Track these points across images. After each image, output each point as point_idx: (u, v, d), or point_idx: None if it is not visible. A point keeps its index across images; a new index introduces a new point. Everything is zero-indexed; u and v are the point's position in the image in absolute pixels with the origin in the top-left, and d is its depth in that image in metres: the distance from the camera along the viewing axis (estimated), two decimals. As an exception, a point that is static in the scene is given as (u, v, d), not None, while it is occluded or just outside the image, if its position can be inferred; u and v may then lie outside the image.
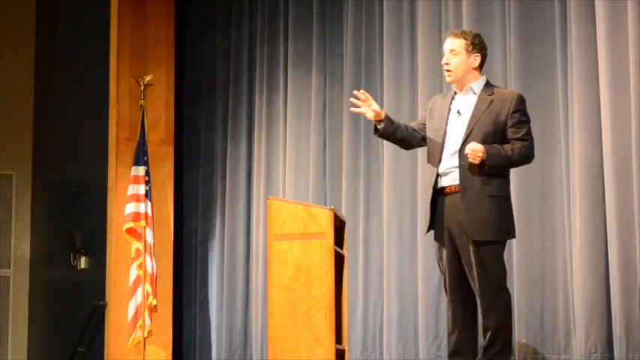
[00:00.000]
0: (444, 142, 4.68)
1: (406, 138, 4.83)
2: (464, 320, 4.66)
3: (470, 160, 4.50)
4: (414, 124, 4.91)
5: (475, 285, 4.53)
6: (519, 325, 5.46)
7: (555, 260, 5.43)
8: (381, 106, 6.45)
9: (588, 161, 5.22)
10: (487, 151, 4.48)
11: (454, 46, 4.69)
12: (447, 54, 4.72)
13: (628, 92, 5.01)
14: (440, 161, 4.67)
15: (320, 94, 6.93)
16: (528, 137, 4.61)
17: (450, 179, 4.63)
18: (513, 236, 4.73)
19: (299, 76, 7.11)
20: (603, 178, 5.13)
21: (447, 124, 4.71)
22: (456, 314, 4.67)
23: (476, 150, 4.48)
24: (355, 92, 4.77)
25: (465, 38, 4.69)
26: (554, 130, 5.50)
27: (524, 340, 5.44)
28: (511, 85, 5.64)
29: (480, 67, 4.73)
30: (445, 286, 4.75)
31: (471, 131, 4.59)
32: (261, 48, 7.48)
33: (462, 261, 4.60)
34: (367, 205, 6.51)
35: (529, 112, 5.49)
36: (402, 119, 6.28)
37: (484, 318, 4.55)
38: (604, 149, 5.12)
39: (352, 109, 4.83)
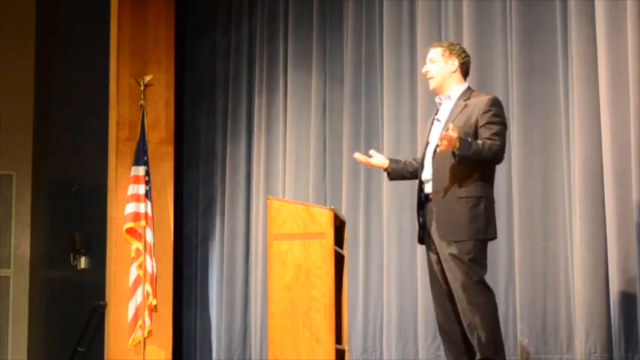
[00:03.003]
0: (425, 151, 4.75)
1: (415, 172, 4.88)
2: (448, 326, 4.66)
3: (442, 144, 4.41)
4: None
5: (458, 286, 4.51)
6: (522, 325, 5.47)
7: (557, 260, 5.43)
8: (381, 106, 6.48)
9: (588, 161, 5.22)
10: (460, 141, 4.40)
11: (431, 55, 4.79)
12: (427, 63, 4.81)
13: (628, 93, 5.01)
14: (423, 169, 4.72)
15: (320, 95, 6.93)
16: (497, 138, 4.51)
17: (431, 186, 4.66)
18: (489, 236, 4.60)
19: (299, 77, 7.11)
20: (603, 177, 5.13)
21: (429, 133, 4.78)
22: (441, 322, 4.70)
23: (450, 135, 4.39)
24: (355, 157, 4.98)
25: (442, 46, 4.80)
26: (555, 130, 5.51)
27: (526, 340, 5.44)
28: (512, 86, 5.64)
29: (463, 73, 4.75)
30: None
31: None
32: (260, 48, 7.48)
33: (442, 264, 4.60)
34: (367, 205, 6.51)
35: (529, 112, 5.54)
36: (402, 119, 6.32)
37: (471, 317, 4.51)
38: (604, 150, 5.12)
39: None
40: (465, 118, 4.59)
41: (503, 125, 4.60)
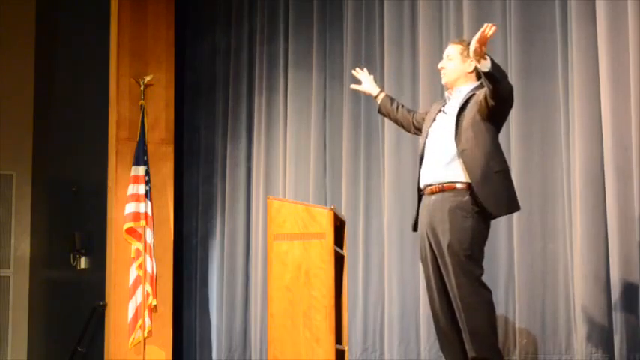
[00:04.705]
0: (425, 143, 4.73)
1: (399, 120, 5.12)
2: (446, 325, 4.65)
3: (478, 46, 4.33)
4: (417, 113, 5.09)
5: (453, 283, 4.50)
6: (520, 325, 5.46)
7: (556, 260, 5.43)
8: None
9: (589, 161, 5.21)
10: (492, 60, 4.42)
11: (450, 52, 4.79)
12: (444, 59, 4.81)
13: (628, 92, 5.00)
14: (422, 163, 4.73)
15: (320, 94, 6.93)
16: None
17: (432, 178, 4.65)
18: (515, 209, 4.72)
19: (299, 76, 7.11)
20: (604, 177, 5.13)
21: (432, 121, 4.76)
22: (437, 321, 4.68)
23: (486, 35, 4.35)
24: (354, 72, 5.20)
25: (462, 44, 4.77)
26: (555, 130, 5.50)
27: (525, 341, 5.43)
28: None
29: (479, 75, 4.73)
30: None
31: (458, 120, 4.60)
32: (261, 48, 7.48)
33: (438, 259, 4.59)
34: (367, 205, 6.51)
35: (529, 111, 5.53)
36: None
37: (465, 315, 4.50)
38: (604, 149, 5.11)
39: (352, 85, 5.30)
40: (474, 101, 4.61)
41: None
